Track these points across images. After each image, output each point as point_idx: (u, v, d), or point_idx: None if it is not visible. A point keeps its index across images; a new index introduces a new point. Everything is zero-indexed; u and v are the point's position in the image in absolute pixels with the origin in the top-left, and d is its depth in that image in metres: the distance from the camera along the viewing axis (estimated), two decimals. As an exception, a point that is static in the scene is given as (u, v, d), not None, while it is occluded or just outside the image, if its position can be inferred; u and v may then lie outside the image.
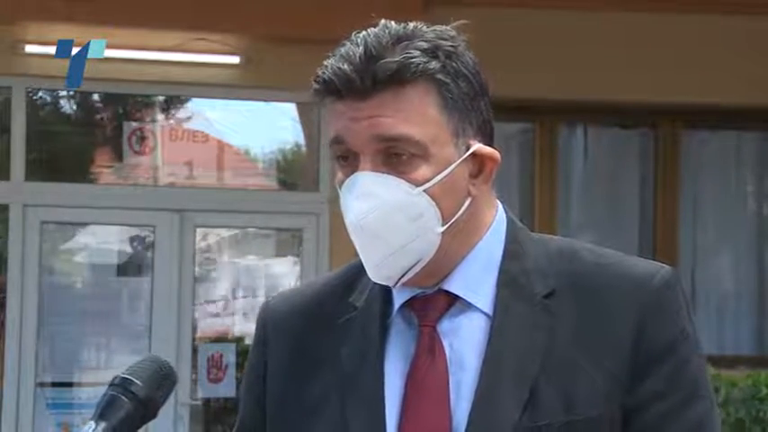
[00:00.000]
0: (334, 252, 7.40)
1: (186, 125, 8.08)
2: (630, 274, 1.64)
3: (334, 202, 7.51)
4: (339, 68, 1.57)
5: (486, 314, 1.64)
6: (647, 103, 7.60)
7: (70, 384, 7.52)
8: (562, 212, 7.82)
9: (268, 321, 1.79)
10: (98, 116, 8.34)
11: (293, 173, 8.56)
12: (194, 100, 8.09)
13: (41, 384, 7.35)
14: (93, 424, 1.53)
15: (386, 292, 1.69)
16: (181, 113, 8.20)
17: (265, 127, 8.27)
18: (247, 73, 7.37)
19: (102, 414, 1.54)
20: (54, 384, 7.44)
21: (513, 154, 7.86)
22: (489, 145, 1.65)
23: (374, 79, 1.56)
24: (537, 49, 7.24)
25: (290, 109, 8.14)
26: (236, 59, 7.35)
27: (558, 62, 7.26)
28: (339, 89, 1.58)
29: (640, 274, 1.64)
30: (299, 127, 8.23)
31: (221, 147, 8.27)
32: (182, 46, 7.17)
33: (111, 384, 1.57)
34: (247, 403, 1.79)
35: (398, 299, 1.67)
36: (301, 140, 8.33)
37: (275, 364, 1.75)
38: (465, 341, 1.63)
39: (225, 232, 8.44)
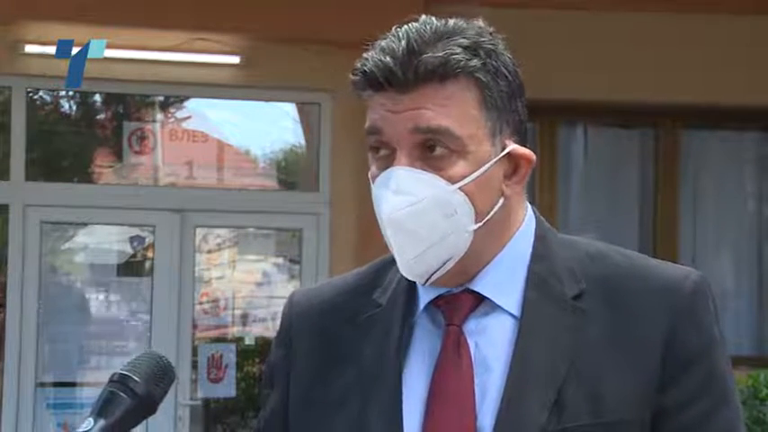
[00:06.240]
0: (333, 252, 7.39)
1: (186, 125, 8.07)
2: (662, 277, 1.63)
3: (334, 202, 7.49)
4: (381, 61, 1.57)
5: (513, 315, 1.63)
6: (647, 103, 7.59)
7: (70, 384, 7.51)
8: (562, 212, 7.81)
9: (293, 315, 1.79)
10: (98, 116, 8.33)
11: (293, 173, 8.55)
12: (194, 100, 8.08)
13: (41, 384, 7.34)
14: (91, 421, 1.52)
15: (410, 290, 1.68)
16: (181, 113, 8.19)
17: (265, 127, 8.27)
18: (247, 73, 7.36)
19: (100, 411, 1.53)
20: (54, 384, 7.43)
21: (513, 154, 7.85)
22: (523, 146, 1.64)
23: (416, 73, 1.56)
24: (536, 49, 7.20)
25: (290, 109, 8.13)
26: (236, 59, 7.34)
27: (558, 62, 7.25)
28: (380, 81, 1.57)
29: (672, 278, 1.63)
30: (299, 127, 8.22)
31: (221, 147, 8.27)
32: (182, 46, 7.16)
33: (110, 381, 1.56)
34: (271, 397, 1.77)
35: (424, 298, 1.66)
36: (301, 140, 8.32)
37: (299, 359, 1.74)
38: (491, 342, 1.62)
39: (225, 232, 8.43)
